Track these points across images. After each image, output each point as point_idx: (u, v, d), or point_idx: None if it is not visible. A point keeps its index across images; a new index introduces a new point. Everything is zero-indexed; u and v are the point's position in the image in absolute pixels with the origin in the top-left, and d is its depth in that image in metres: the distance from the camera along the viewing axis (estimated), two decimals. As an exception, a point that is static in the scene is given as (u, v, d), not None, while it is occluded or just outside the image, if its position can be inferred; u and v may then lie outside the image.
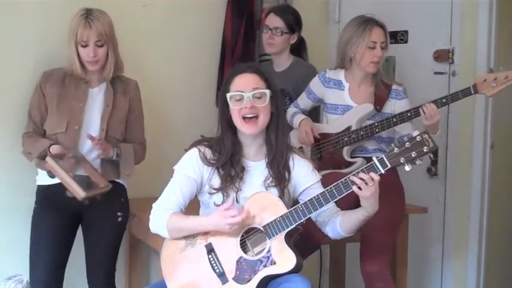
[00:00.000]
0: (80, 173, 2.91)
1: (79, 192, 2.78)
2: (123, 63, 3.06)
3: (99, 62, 2.94)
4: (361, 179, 2.30)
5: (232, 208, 2.32)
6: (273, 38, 3.44)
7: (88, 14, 2.90)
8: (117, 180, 3.02)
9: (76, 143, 2.94)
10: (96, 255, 2.99)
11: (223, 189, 2.46)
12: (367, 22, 3.01)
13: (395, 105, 3.04)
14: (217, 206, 2.45)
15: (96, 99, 3.00)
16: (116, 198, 3.01)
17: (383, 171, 2.33)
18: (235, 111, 2.43)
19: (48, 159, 2.82)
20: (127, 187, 3.09)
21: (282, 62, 3.52)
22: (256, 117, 2.42)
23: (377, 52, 2.98)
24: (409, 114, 2.93)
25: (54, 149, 2.87)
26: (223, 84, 2.53)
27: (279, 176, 2.47)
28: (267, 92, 2.43)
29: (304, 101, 3.26)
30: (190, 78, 3.68)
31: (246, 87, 2.42)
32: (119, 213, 3.00)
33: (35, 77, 3.06)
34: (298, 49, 3.58)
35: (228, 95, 2.44)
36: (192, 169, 2.47)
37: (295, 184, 2.52)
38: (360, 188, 2.31)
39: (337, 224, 2.46)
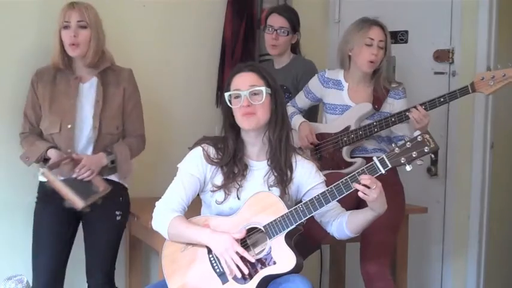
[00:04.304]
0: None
1: (77, 203, 2.78)
2: (111, 55, 3.01)
3: (80, 46, 2.89)
4: (363, 185, 2.29)
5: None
6: (278, 39, 3.43)
7: (73, 2, 2.92)
8: (116, 180, 2.98)
9: (71, 142, 2.91)
10: (94, 254, 2.98)
11: (225, 186, 2.46)
12: (366, 21, 3.02)
13: (393, 105, 3.04)
14: (219, 204, 2.46)
15: (88, 94, 2.95)
16: (114, 198, 2.96)
17: (383, 172, 2.32)
18: (236, 109, 2.44)
19: (45, 171, 2.79)
20: (128, 186, 3.06)
21: (283, 60, 3.52)
22: (255, 113, 2.43)
23: (373, 50, 2.97)
24: (406, 114, 2.93)
25: (52, 153, 2.86)
26: (225, 86, 2.54)
27: (281, 173, 2.46)
28: (263, 89, 2.44)
29: (302, 101, 3.26)
30: (190, 78, 3.68)
31: (243, 86, 2.44)
32: (117, 212, 2.97)
33: (31, 75, 3.05)
34: (294, 47, 3.57)
35: (227, 94, 2.46)
36: (195, 167, 2.47)
37: (299, 185, 2.52)
38: (364, 193, 2.31)
39: (343, 224, 2.45)
